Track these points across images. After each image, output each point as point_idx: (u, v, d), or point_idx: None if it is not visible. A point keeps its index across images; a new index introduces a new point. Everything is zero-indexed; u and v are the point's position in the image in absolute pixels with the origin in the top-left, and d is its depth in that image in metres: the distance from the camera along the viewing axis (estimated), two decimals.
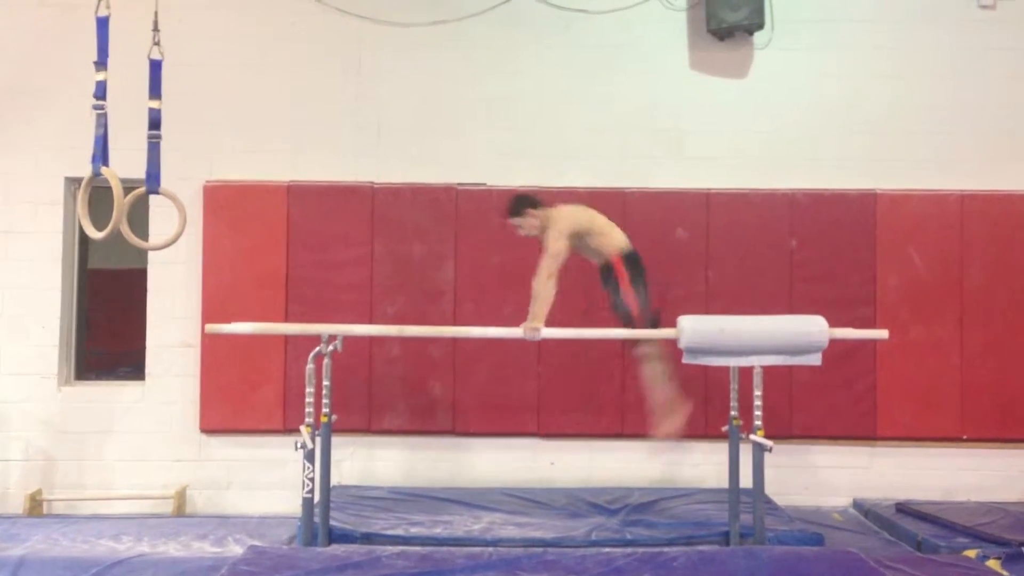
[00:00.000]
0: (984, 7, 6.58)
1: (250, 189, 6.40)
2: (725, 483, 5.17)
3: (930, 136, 6.55)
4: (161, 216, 6.07)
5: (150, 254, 6.28)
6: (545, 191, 6.42)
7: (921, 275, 6.40)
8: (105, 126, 4.40)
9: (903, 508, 5.85)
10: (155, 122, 4.66)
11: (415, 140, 6.54)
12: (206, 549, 4.91)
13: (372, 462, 6.39)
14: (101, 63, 4.39)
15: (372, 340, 6.22)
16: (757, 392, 4.61)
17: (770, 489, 5.13)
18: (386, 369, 6.34)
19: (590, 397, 6.36)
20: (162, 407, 6.37)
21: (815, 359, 4.60)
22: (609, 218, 5.14)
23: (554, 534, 5.08)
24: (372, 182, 6.45)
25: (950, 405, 6.34)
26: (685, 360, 4.63)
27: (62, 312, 6.42)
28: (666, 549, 4.51)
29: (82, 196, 4.57)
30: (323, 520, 4.89)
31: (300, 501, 4.62)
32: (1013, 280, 6.38)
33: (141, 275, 6.46)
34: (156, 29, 4.69)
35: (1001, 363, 6.33)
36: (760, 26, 6.43)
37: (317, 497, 4.68)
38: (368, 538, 4.96)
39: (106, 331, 7.82)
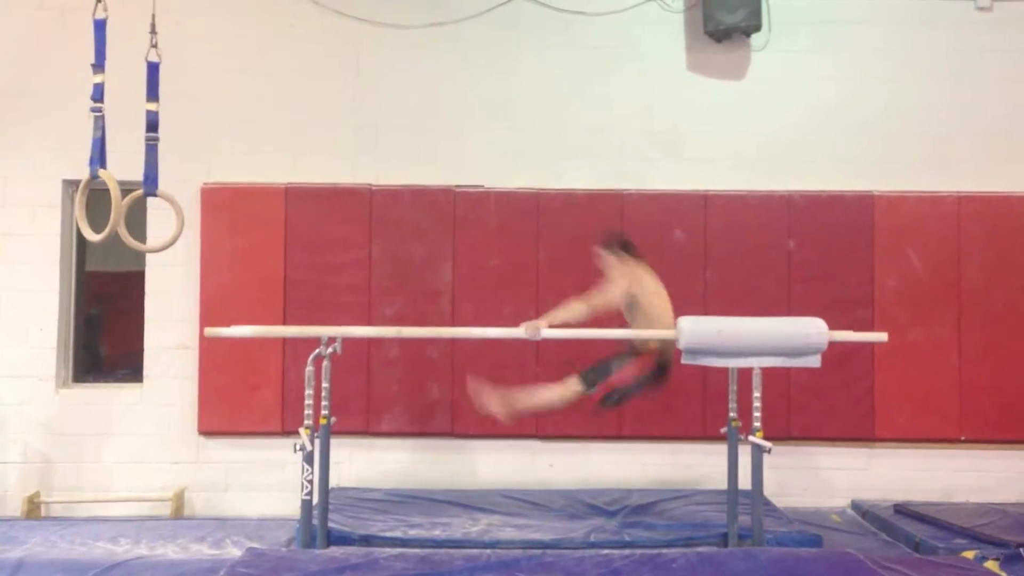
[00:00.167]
0: (981, 9, 6.59)
1: (248, 191, 6.40)
2: (724, 484, 5.17)
3: (927, 137, 6.56)
4: (159, 218, 6.07)
5: (148, 256, 6.28)
6: (543, 193, 6.46)
7: (919, 276, 6.41)
8: (103, 128, 4.41)
9: (901, 509, 5.85)
10: (153, 124, 4.67)
11: (413, 142, 6.54)
12: (204, 551, 4.90)
13: (371, 464, 6.39)
14: (99, 65, 4.40)
15: (371, 342, 6.22)
16: (756, 393, 4.60)
17: (769, 490, 5.13)
18: (385, 371, 6.35)
19: (588, 399, 6.35)
20: (160, 409, 6.37)
21: (814, 361, 4.60)
22: (669, 304, 5.01)
23: (552, 536, 5.08)
24: (370, 184, 6.45)
25: (948, 406, 6.35)
26: (684, 361, 4.64)
27: (60, 314, 6.42)
28: (665, 551, 4.51)
29: (80, 198, 4.57)
30: (322, 522, 4.89)
31: (299, 503, 4.61)
32: (1011, 281, 6.39)
33: (139, 277, 6.46)
34: (154, 31, 4.71)
35: (999, 364, 6.34)
36: (757, 28, 6.44)
37: (316, 499, 4.68)
38: (367, 540, 4.96)
39: (105, 333, 7.81)
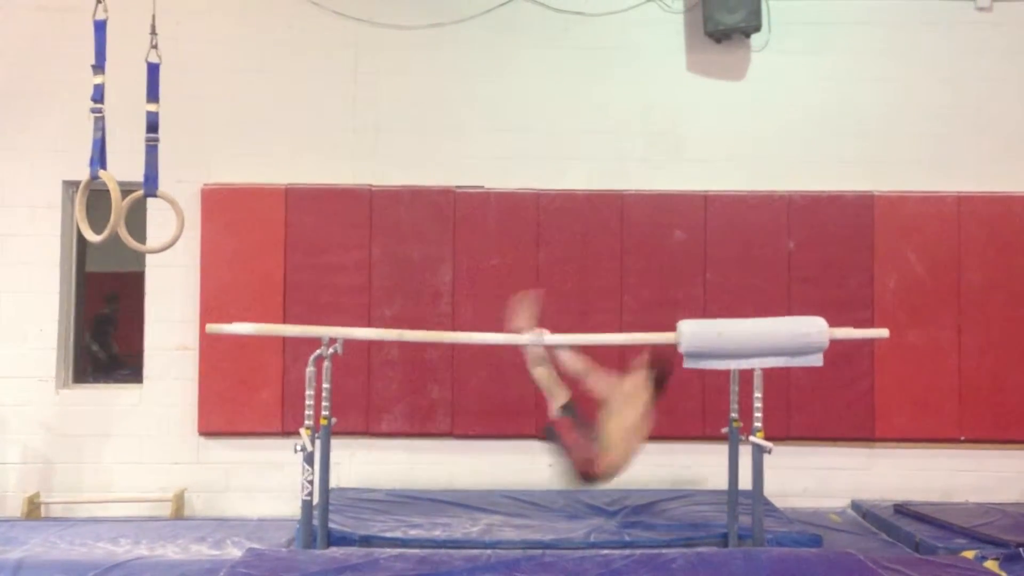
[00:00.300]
0: (980, 9, 6.60)
1: (248, 192, 6.40)
2: (724, 484, 5.18)
3: (927, 138, 6.56)
4: (159, 219, 6.08)
5: (148, 257, 6.28)
6: (543, 193, 6.46)
7: (919, 277, 6.41)
8: (103, 129, 4.40)
9: (901, 509, 5.85)
10: (153, 125, 4.66)
11: (413, 142, 6.54)
12: (204, 552, 4.90)
13: (371, 465, 6.39)
14: (99, 66, 4.39)
15: (371, 343, 6.22)
16: (757, 394, 4.60)
17: (768, 490, 5.13)
18: (385, 371, 6.35)
19: (588, 399, 6.35)
20: (160, 410, 6.37)
21: (816, 360, 4.59)
22: None
23: (552, 536, 5.08)
24: (370, 185, 6.45)
25: (948, 406, 6.35)
26: (686, 365, 4.61)
27: (60, 315, 6.42)
28: (664, 551, 4.52)
29: (80, 199, 4.57)
30: (322, 523, 4.89)
31: (299, 504, 4.61)
32: (1010, 281, 6.39)
33: (139, 278, 6.46)
34: (154, 32, 4.70)
35: (999, 364, 6.35)
36: (757, 29, 6.44)
37: (316, 500, 4.68)
38: (367, 540, 4.97)
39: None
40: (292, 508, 5.23)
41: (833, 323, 4.69)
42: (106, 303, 7.29)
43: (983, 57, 6.59)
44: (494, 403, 6.34)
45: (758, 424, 4.59)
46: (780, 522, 5.29)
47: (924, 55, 6.61)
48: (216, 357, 6.24)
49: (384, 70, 6.57)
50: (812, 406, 6.32)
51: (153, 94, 4.70)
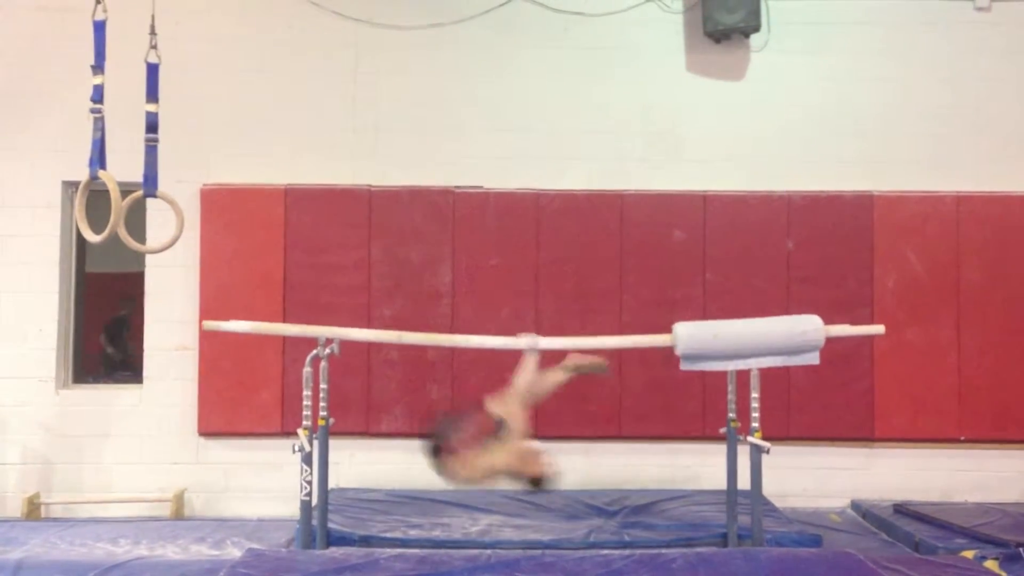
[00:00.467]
0: (979, 9, 6.60)
1: (247, 192, 6.40)
2: (723, 485, 5.17)
3: (926, 138, 6.56)
4: (159, 219, 6.08)
5: (147, 257, 6.28)
6: (543, 193, 6.46)
7: (918, 276, 6.41)
8: (103, 129, 4.41)
9: (901, 509, 5.85)
10: (152, 125, 4.66)
11: (412, 143, 6.54)
12: (204, 552, 4.90)
13: (370, 465, 6.39)
14: (98, 67, 4.39)
15: (370, 343, 6.21)
16: (754, 394, 4.60)
17: (768, 490, 5.13)
18: (384, 372, 6.35)
19: (587, 399, 6.36)
20: (160, 410, 6.37)
21: (813, 358, 4.58)
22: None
23: (552, 536, 5.08)
24: (369, 185, 6.45)
25: (947, 406, 6.35)
26: (683, 367, 4.60)
27: (60, 315, 6.42)
28: (664, 551, 4.52)
29: (80, 200, 4.57)
30: (321, 523, 4.89)
31: (298, 504, 4.61)
32: (1010, 281, 6.40)
33: (138, 278, 6.46)
34: (153, 33, 4.70)
35: (998, 364, 6.35)
36: (756, 29, 6.44)
37: (315, 500, 4.67)
38: (366, 541, 4.97)
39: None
40: (292, 508, 5.23)
41: (832, 322, 4.68)
42: (122, 304, 7.30)
43: (982, 57, 6.60)
44: None
45: (755, 424, 4.59)
46: (779, 522, 5.29)
47: (923, 55, 6.62)
48: (216, 357, 6.24)
49: (384, 70, 6.57)
50: (812, 406, 6.32)
51: (152, 94, 4.70)
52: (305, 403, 4.55)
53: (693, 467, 6.37)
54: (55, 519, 5.94)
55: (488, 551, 4.51)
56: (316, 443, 4.67)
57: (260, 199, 6.39)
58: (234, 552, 4.81)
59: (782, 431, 6.14)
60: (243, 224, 6.35)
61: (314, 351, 4.59)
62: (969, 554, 4.79)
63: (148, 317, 6.43)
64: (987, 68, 6.59)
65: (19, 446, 6.32)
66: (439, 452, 4.08)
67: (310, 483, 4.52)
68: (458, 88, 6.59)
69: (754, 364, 4.57)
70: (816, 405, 6.32)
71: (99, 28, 4.39)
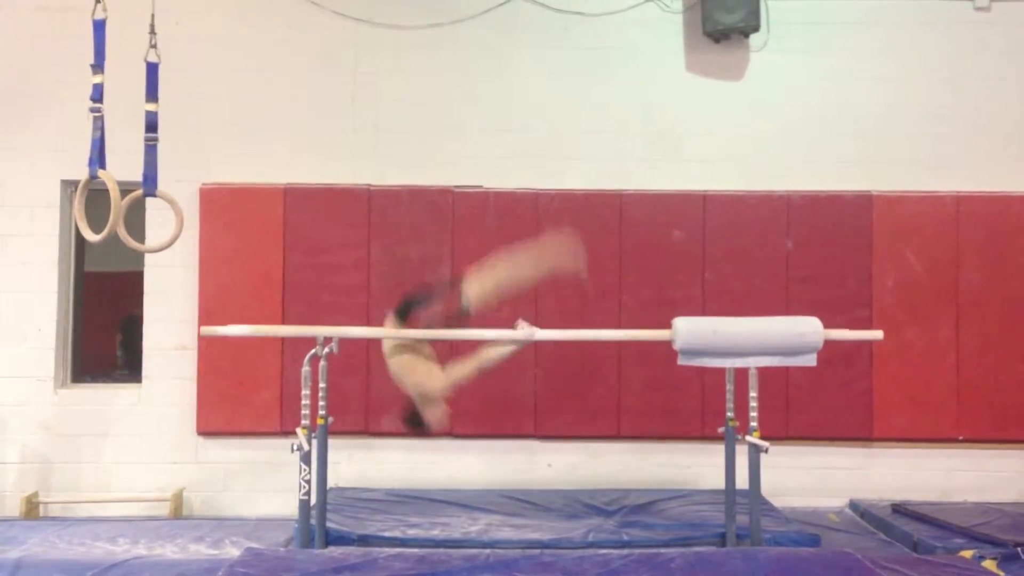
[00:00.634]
0: (979, 9, 6.60)
1: (247, 192, 6.40)
2: (721, 484, 5.18)
3: (926, 138, 6.57)
4: (158, 219, 6.08)
5: (147, 257, 6.28)
6: (542, 193, 6.47)
7: (917, 276, 6.42)
8: (102, 129, 4.40)
9: (899, 509, 5.86)
10: (152, 125, 4.66)
11: (412, 142, 6.54)
12: (203, 551, 4.90)
13: (369, 464, 6.39)
14: (98, 66, 4.39)
15: (369, 341, 6.21)
16: (753, 393, 4.60)
17: (766, 490, 5.14)
18: (383, 371, 6.30)
19: (586, 399, 6.37)
20: (159, 409, 6.37)
21: (810, 360, 4.59)
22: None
23: (551, 536, 5.08)
24: (369, 184, 6.46)
25: (946, 406, 6.36)
26: (681, 362, 4.62)
27: (58, 315, 6.43)
28: (663, 550, 4.51)
29: (79, 199, 4.57)
30: (320, 522, 4.89)
31: (297, 503, 4.62)
32: (1008, 281, 6.40)
33: (137, 278, 6.46)
34: (153, 32, 4.70)
35: (997, 364, 6.35)
36: (756, 28, 6.44)
37: (314, 499, 4.68)
38: (365, 540, 4.97)
39: (103, 333, 7.84)
40: (290, 508, 5.22)
41: (831, 323, 4.70)
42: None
43: (981, 57, 6.60)
44: (493, 403, 6.34)
45: (754, 424, 4.60)
46: (778, 522, 5.29)
47: (923, 55, 6.62)
48: (215, 357, 6.24)
49: (383, 70, 6.57)
50: (810, 405, 6.32)
51: (152, 94, 4.70)
52: (304, 402, 4.55)
53: (692, 467, 6.37)
54: (54, 518, 5.93)
55: (487, 550, 4.51)
56: (315, 442, 4.67)
57: (260, 198, 6.39)
58: (233, 551, 4.81)
59: (780, 431, 6.16)
60: (242, 223, 6.36)
61: (313, 350, 4.60)
62: (967, 554, 4.79)
63: (147, 316, 6.43)
64: (987, 68, 6.59)
65: (18, 445, 6.32)
66: (405, 318, 4.50)
67: (309, 482, 4.53)
68: (458, 88, 6.59)
69: (752, 363, 4.58)
70: (815, 405, 6.32)
71: (98, 27, 4.39)
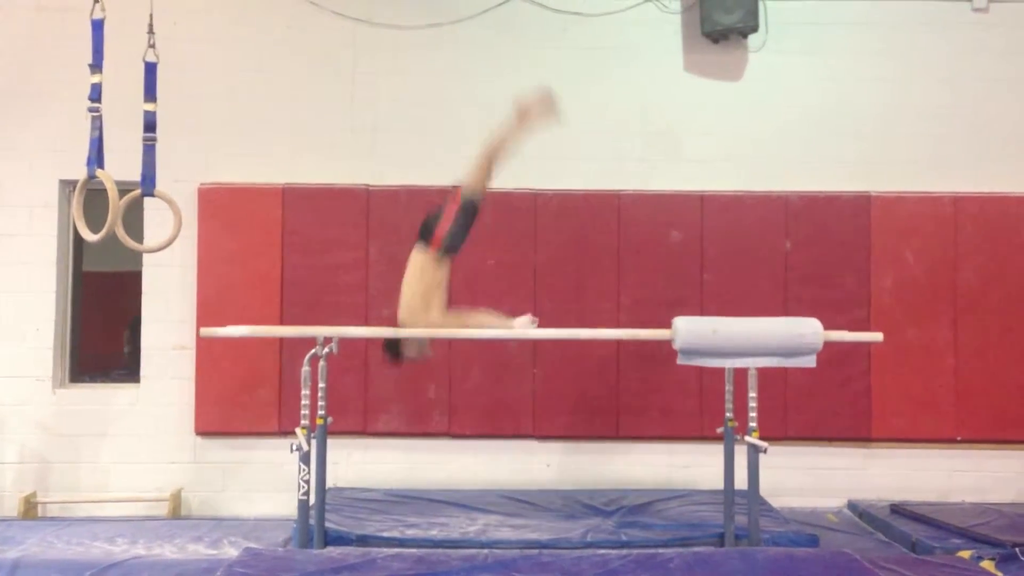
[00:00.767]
0: (977, 10, 6.61)
1: (245, 192, 6.40)
2: (720, 485, 5.19)
3: (924, 138, 6.57)
4: (156, 219, 6.07)
5: (145, 257, 6.27)
6: (541, 193, 6.47)
7: (915, 277, 6.42)
8: (100, 128, 4.40)
9: (898, 509, 5.86)
10: (150, 124, 4.67)
11: (411, 142, 6.54)
12: (201, 551, 4.90)
13: (368, 464, 6.39)
14: (96, 66, 4.39)
15: (368, 342, 6.22)
16: (752, 394, 4.61)
17: (765, 490, 5.13)
18: (382, 371, 6.34)
19: (585, 399, 6.37)
20: (157, 409, 6.37)
21: (809, 361, 4.60)
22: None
23: (550, 536, 5.08)
24: (367, 185, 6.45)
25: (945, 406, 6.36)
26: (680, 361, 4.63)
27: (56, 315, 6.42)
28: (661, 551, 4.52)
29: (77, 199, 4.56)
30: (319, 522, 4.89)
31: (296, 503, 4.62)
32: (1007, 281, 6.41)
33: (136, 278, 6.46)
34: (151, 32, 4.70)
35: (995, 364, 6.36)
36: (754, 29, 6.45)
37: (313, 499, 4.68)
38: (364, 540, 4.97)
39: (101, 333, 7.84)
40: (289, 508, 5.24)
41: (829, 323, 4.70)
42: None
43: (980, 58, 6.61)
44: (491, 403, 6.35)
45: (753, 424, 4.60)
46: (776, 522, 5.29)
47: (921, 56, 6.62)
48: (213, 357, 6.23)
49: (382, 70, 6.57)
50: (809, 406, 6.33)
51: (150, 93, 4.70)
52: (304, 402, 4.55)
53: (690, 467, 6.37)
54: (52, 518, 5.93)
55: (485, 551, 4.52)
56: (314, 442, 4.67)
57: (258, 198, 6.39)
58: (231, 551, 4.81)
59: (779, 431, 6.16)
60: (241, 223, 6.35)
61: (312, 350, 4.60)
62: (966, 554, 4.80)
63: (145, 316, 6.43)
64: (985, 69, 6.60)
65: (16, 445, 6.31)
66: (430, 235, 4.78)
67: (308, 482, 4.53)
68: (456, 88, 6.59)
69: (751, 363, 4.58)
70: (813, 405, 6.33)
71: (97, 27, 4.39)
